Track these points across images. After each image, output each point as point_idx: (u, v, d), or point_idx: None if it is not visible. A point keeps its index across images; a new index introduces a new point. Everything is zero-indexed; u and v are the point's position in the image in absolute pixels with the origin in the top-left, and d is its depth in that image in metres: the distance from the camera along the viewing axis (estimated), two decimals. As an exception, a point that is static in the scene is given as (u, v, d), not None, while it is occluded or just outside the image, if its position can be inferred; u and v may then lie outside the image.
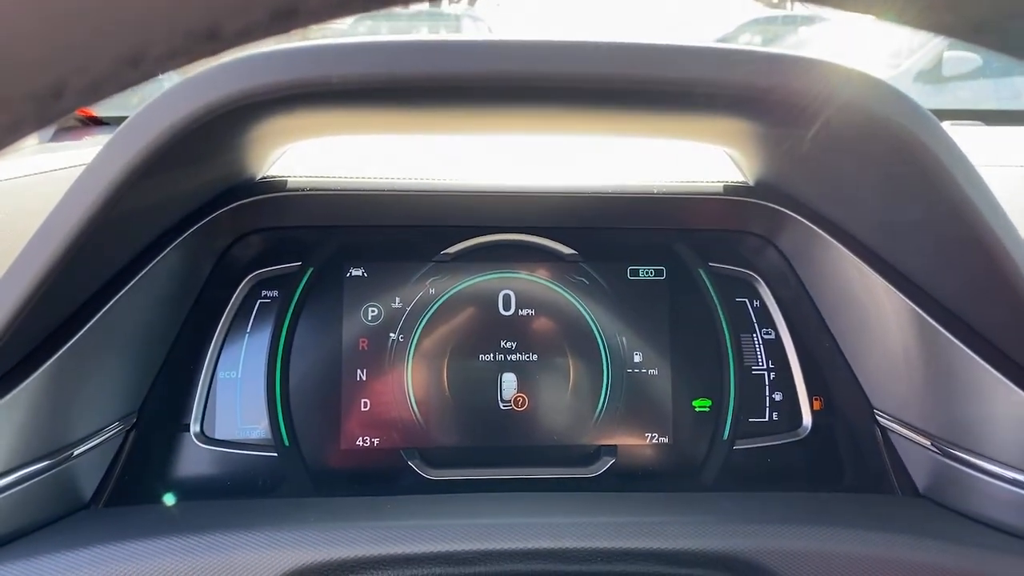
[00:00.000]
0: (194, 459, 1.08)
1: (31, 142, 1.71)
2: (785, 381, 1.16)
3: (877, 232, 1.01)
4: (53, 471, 0.94)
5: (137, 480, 1.04)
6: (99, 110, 1.82)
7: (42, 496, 0.93)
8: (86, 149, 0.85)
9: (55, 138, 1.76)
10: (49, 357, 0.90)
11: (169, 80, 0.74)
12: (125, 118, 1.47)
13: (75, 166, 0.88)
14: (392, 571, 0.86)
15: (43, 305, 0.81)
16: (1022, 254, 0.81)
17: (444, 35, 0.78)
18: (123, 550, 0.85)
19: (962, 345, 0.94)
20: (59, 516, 0.95)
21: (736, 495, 1.07)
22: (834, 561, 0.88)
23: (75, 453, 0.97)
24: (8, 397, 0.86)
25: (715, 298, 1.16)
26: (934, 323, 0.97)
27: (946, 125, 1.95)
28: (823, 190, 1.05)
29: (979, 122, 1.86)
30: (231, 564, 0.84)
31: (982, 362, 0.92)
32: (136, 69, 0.32)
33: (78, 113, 1.81)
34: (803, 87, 0.78)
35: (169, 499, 1.04)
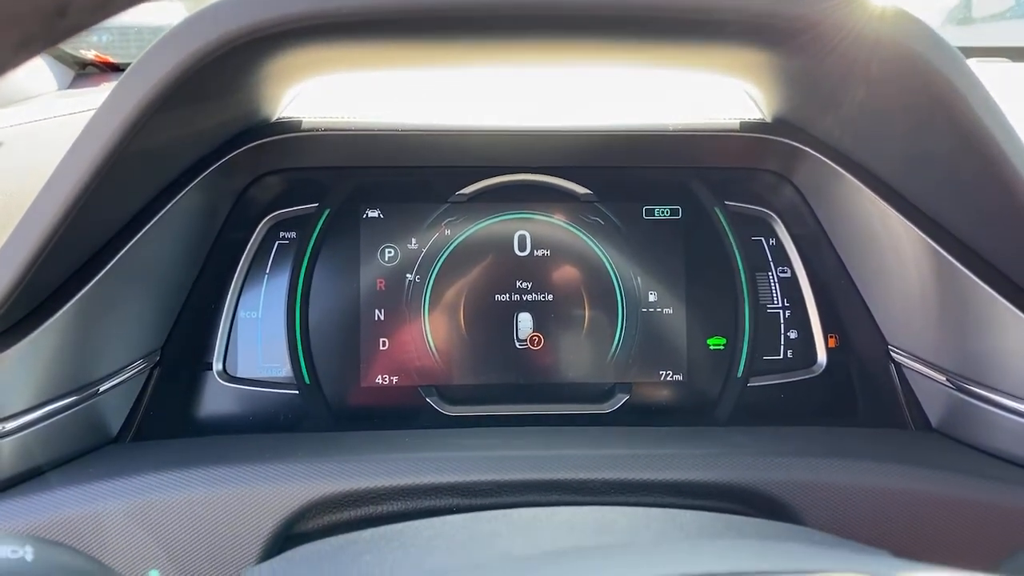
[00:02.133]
0: (217, 396, 1.11)
1: (50, 87, 1.73)
2: (800, 319, 1.16)
3: (896, 166, 1.00)
4: (80, 406, 0.97)
5: (162, 416, 1.07)
6: (116, 56, 1.83)
7: (70, 430, 0.96)
8: (103, 95, 0.86)
9: (74, 84, 1.77)
10: (72, 296, 0.92)
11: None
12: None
13: (91, 109, 0.89)
14: (410, 502, 0.88)
15: (64, 245, 0.83)
16: None
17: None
18: (148, 481, 0.88)
19: (977, 279, 0.94)
20: (88, 450, 0.99)
21: (750, 429, 1.08)
22: (847, 493, 0.90)
23: (101, 389, 1.00)
24: (33, 335, 0.89)
25: (731, 236, 1.16)
26: (950, 257, 0.97)
27: (972, 62, 1.89)
28: (842, 125, 1.04)
29: (1006, 59, 1.82)
30: (254, 495, 0.87)
31: (996, 295, 0.92)
32: None
33: (95, 60, 1.82)
34: (830, 17, 0.78)
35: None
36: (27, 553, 0.70)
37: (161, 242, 1.01)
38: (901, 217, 1.01)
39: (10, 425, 0.89)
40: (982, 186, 0.87)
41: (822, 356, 1.16)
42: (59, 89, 1.73)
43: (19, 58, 0.33)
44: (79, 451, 0.97)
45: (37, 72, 1.74)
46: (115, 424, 1.03)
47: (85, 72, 1.83)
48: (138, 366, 1.04)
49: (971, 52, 1.84)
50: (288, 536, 0.87)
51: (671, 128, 1.11)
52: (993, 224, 0.91)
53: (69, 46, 1.86)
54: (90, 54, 1.81)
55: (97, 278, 0.94)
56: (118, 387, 1.02)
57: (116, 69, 1.84)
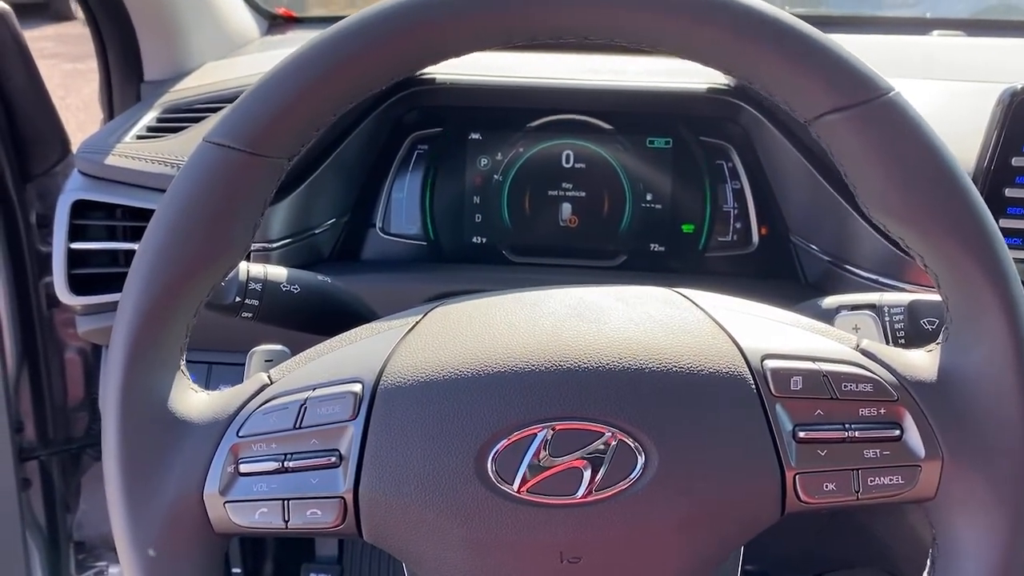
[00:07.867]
0: (378, 243, 1.83)
1: (255, 35, 2.43)
2: (744, 215, 1.79)
3: (794, 120, 1.62)
4: (306, 240, 1.70)
5: (350, 248, 1.81)
6: (297, 11, 2.52)
7: (300, 253, 1.68)
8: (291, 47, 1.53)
9: (269, 32, 2.48)
10: (307, 178, 1.65)
11: None
12: (319, 19, 2.26)
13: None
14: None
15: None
16: None
17: None
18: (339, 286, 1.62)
19: (839, 197, 1.56)
20: (312, 263, 1.73)
21: (702, 278, 1.75)
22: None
23: (316, 231, 1.72)
24: (288, 198, 1.61)
25: (703, 159, 1.79)
26: (824, 181, 1.59)
27: (935, 34, 2.51)
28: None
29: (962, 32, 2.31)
30: (405, 287, 1.61)
31: (849, 208, 1.55)
32: None
33: (282, 13, 2.52)
34: None
35: None
36: (294, 288, 1.18)
37: (353, 149, 1.70)
38: (797, 153, 1.62)
39: (275, 244, 1.63)
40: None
41: (756, 239, 1.79)
42: (261, 36, 2.44)
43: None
44: (307, 264, 1.72)
45: (244, 19, 2.45)
46: (325, 251, 1.75)
47: (275, 23, 2.54)
48: (337, 221, 1.78)
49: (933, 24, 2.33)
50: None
51: (664, 90, 1.75)
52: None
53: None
54: (279, 10, 2.52)
55: (321, 167, 1.66)
56: (326, 231, 1.75)
57: (297, 21, 2.55)
